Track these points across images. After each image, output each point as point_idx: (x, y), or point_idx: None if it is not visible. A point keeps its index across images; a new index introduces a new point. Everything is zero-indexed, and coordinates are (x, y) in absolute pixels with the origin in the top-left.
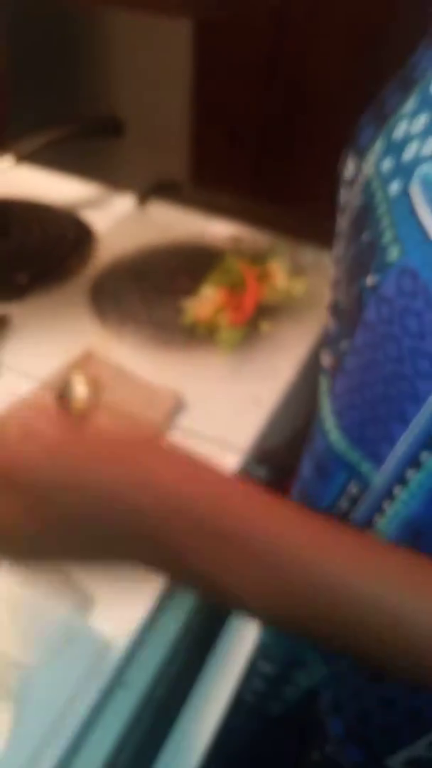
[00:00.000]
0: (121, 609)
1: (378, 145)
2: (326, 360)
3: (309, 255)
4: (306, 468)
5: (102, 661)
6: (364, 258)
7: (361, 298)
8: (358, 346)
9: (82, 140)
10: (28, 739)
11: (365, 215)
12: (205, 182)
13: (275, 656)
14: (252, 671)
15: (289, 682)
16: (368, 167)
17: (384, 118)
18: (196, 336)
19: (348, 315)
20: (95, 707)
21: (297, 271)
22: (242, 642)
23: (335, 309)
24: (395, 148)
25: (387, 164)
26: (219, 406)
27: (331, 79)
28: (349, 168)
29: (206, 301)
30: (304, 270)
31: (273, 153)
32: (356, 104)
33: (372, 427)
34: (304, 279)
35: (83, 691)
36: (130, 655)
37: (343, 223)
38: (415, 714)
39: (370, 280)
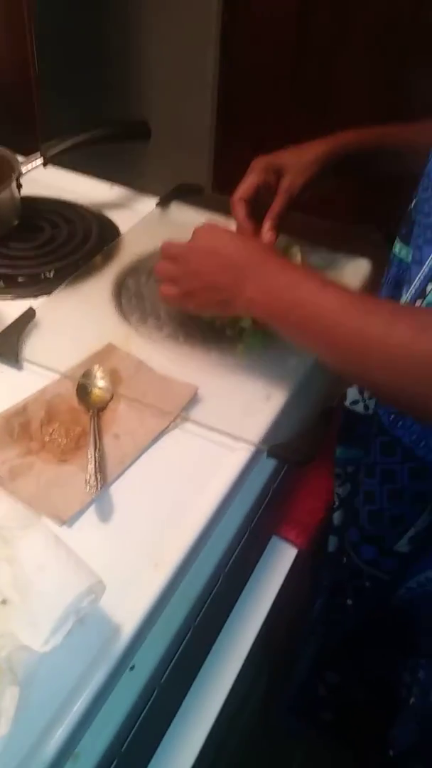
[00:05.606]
0: (131, 594)
1: None
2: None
3: (322, 256)
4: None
5: (111, 645)
6: None
7: None
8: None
9: (112, 143)
10: (34, 722)
11: None
12: (227, 189)
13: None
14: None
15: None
16: None
17: None
18: (213, 334)
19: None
20: (103, 690)
21: None
22: (246, 630)
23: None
24: None
25: None
26: (232, 401)
27: (354, 89)
28: None
29: None
30: (317, 270)
31: None
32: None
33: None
34: None
35: (92, 674)
36: (138, 639)
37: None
38: (419, 497)
39: None
